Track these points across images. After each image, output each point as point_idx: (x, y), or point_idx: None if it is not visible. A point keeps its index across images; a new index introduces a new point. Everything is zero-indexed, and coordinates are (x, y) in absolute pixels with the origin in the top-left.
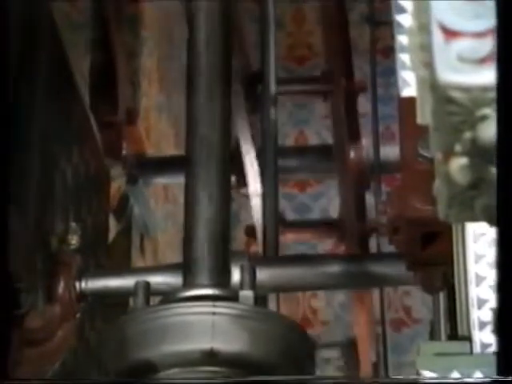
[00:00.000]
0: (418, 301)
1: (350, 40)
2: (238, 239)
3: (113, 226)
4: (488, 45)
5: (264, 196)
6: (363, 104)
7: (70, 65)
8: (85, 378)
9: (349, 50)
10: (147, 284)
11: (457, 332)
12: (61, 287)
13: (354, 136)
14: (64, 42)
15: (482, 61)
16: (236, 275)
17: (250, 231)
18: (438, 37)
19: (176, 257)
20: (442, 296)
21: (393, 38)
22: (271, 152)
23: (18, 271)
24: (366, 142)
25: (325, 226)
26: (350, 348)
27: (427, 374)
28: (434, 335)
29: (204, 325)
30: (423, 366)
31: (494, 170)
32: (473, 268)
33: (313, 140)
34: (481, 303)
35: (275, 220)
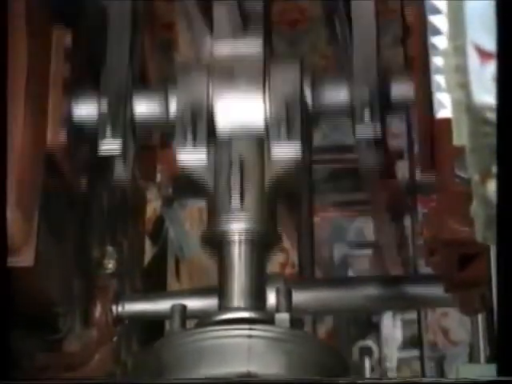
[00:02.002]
0: (456, 323)
1: None
2: (273, 261)
3: (148, 249)
4: None
5: (298, 217)
6: (398, 125)
7: None
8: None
9: None
10: (183, 307)
11: None
12: (98, 311)
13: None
14: None
15: None
16: (272, 298)
17: None
18: (473, 59)
19: (211, 280)
20: (480, 318)
21: None
22: (306, 173)
23: (56, 296)
24: (401, 162)
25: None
26: None
27: None
28: (473, 357)
29: (240, 348)
30: None
31: None
32: None
33: None
34: None
35: (310, 241)
